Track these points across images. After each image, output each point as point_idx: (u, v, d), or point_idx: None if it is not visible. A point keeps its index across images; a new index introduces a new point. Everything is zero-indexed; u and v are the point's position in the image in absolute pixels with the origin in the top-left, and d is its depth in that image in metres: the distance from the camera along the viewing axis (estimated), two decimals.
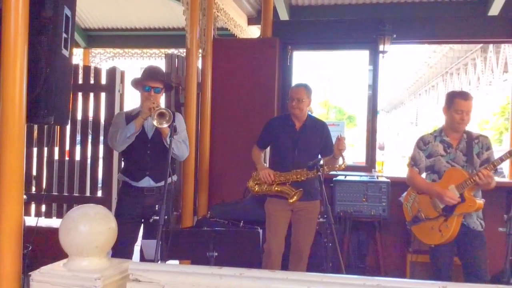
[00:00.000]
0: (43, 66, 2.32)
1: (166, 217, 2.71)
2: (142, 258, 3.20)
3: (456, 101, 3.38)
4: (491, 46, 22.38)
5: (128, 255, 3.29)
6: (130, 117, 3.44)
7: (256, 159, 3.99)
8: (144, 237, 3.40)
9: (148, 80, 3.41)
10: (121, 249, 3.18)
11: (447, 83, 30.03)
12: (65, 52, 2.50)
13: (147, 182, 3.38)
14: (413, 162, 3.54)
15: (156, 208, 2.82)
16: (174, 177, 3.57)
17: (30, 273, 2.03)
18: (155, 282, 1.94)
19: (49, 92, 2.35)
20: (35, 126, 5.84)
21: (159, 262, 2.65)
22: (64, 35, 2.47)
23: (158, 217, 2.69)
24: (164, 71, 4.89)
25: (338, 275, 1.97)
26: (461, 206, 3.27)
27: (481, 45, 23.29)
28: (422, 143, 3.55)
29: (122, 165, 3.64)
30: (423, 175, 3.57)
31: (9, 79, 2.14)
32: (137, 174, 3.40)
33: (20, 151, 2.20)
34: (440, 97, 31.44)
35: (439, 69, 29.83)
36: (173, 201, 3.40)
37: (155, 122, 3.13)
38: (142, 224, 3.43)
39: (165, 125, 3.13)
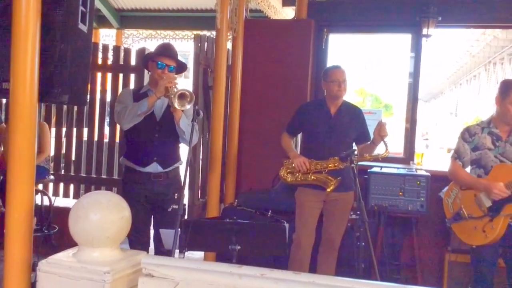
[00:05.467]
0: (58, 41, 2.17)
1: (185, 205, 2.56)
2: (157, 248, 3.07)
3: None
4: None
5: (144, 244, 3.17)
6: (138, 94, 3.21)
7: (287, 147, 3.77)
8: (155, 226, 3.23)
9: (162, 57, 3.16)
10: (136, 237, 3.07)
11: (489, 73, 28.94)
12: (83, 27, 2.35)
13: (154, 167, 3.16)
14: (457, 155, 3.25)
15: (175, 196, 2.65)
16: (180, 163, 3.35)
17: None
18: (169, 278, 1.79)
19: (64, 69, 2.19)
20: (65, 107, 5.82)
21: (177, 253, 2.50)
22: (81, 8, 2.30)
23: (176, 206, 2.53)
24: (193, 52, 4.75)
25: (371, 281, 1.75)
26: (510, 206, 2.97)
27: None
28: (468, 135, 3.24)
29: (125, 148, 3.38)
30: (467, 169, 3.28)
31: (20, 54, 1.99)
32: (143, 159, 3.17)
33: (31, 132, 2.07)
34: (482, 88, 30.40)
35: (482, 59, 28.76)
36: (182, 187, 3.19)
37: (176, 105, 2.89)
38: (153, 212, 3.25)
39: (187, 107, 2.91)
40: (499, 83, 3.30)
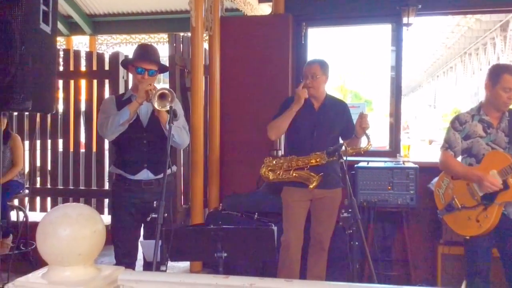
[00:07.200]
0: (18, 43, 1.99)
1: (165, 214, 2.39)
2: (145, 260, 2.91)
3: (505, 77, 2.95)
4: (511, 24, 21.59)
5: (131, 256, 3.00)
6: (122, 101, 3.05)
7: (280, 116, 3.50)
8: (145, 238, 3.07)
9: (141, 61, 3.02)
10: (123, 249, 2.92)
11: (465, 64, 29.31)
12: (46, 28, 2.17)
13: (145, 174, 3.02)
14: (448, 145, 3.14)
15: (154, 205, 2.49)
16: (174, 168, 3.26)
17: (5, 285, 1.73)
18: None
19: (26, 73, 2.01)
20: (38, 116, 5.59)
21: (160, 265, 2.34)
22: (43, 7, 2.13)
23: (156, 215, 2.36)
24: (169, 53, 4.58)
25: (368, 284, 1.63)
26: (504, 194, 2.88)
27: (501, 23, 22.57)
28: (458, 123, 3.14)
29: (114, 156, 3.26)
30: (458, 159, 3.18)
31: None
32: (133, 166, 3.02)
33: None
34: (458, 79, 30.78)
35: (457, 50, 29.12)
36: (174, 194, 3.04)
37: (156, 105, 2.76)
38: (143, 222, 3.08)
39: (168, 107, 2.76)
40: (488, 69, 3.20)
